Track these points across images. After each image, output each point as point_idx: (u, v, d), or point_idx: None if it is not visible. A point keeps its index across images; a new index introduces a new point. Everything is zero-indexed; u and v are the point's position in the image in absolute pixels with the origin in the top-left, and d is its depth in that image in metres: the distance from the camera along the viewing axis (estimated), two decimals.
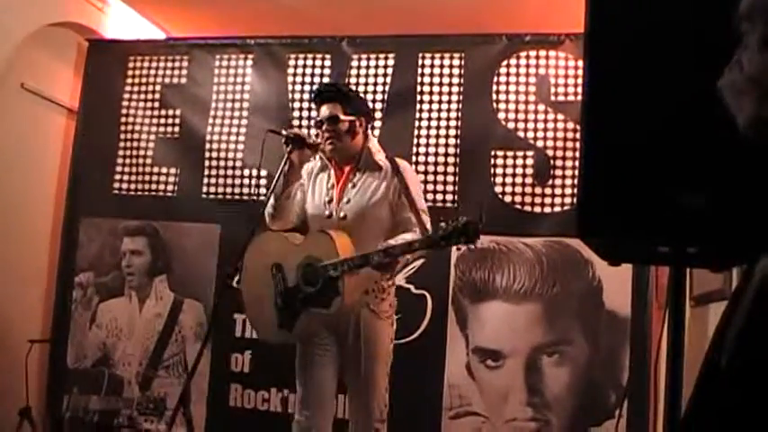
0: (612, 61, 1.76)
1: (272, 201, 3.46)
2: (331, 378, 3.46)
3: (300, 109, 4.76)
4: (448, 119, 4.58)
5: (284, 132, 3.48)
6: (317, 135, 3.55)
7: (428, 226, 3.26)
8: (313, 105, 3.77)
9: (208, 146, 4.91)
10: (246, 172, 4.77)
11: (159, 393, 4.79)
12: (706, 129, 1.65)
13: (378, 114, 4.63)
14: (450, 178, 4.52)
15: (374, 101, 4.59)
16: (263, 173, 4.61)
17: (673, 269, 1.81)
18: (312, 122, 3.76)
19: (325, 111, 3.46)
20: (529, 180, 4.44)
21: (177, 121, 5.02)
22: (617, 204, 1.71)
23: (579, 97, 4.37)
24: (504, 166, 4.47)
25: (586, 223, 1.74)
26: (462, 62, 4.63)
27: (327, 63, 4.84)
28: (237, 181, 4.82)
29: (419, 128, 4.59)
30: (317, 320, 3.32)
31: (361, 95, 3.86)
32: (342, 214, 3.38)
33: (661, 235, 1.70)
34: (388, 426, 3.37)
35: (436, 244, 3.07)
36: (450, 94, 4.61)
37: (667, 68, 1.70)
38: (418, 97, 4.64)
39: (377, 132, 4.45)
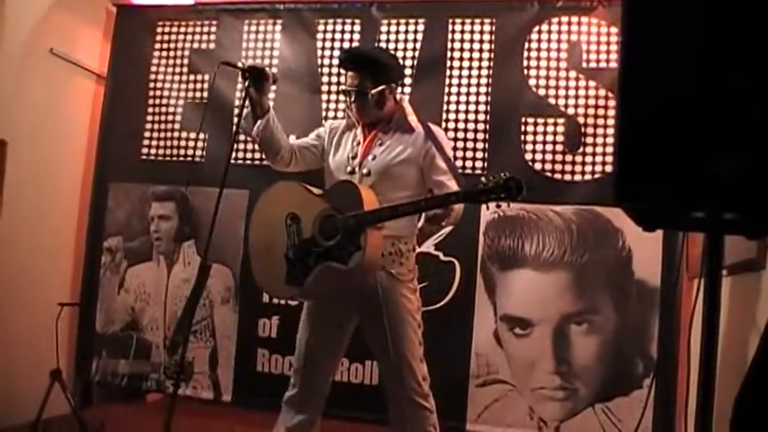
0: (649, 25, 1.72)
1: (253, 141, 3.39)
2: (334, 345, 3.41)
3: (330, 74, 4.73)
4: (478, 85, 4.53)
5: (239, 64, 3.40)
6: (345, 103, 3.49)
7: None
8: (342, 71, 3.71)
9: (236, 111, 4.88)
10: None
11: (187, 358, 4.81)
12: (745, 93, 1.62)
13: (407, 80, 4.59)
14: (479, 145, 4.48)
15: (404, 66, 4.54)
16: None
17: (708, 236, 1.78)
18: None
19: (351, 80, 3.37)
20: (559, 147, 4.39)
21: (206, 86, 5.01)
22: (654, 169, 1.68)
23: (611, 64, 4.34)
24: (535, 134, 4.42)
25: (623, 188, 1.71)
26: (493, 28, 4.58)
27: (357, 28, 4.80)
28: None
29: (449, 94, 4.55)
30: (331, 278, 3.18)
31: (393, 58, 3.72)
32: (365, 170, 3.30)
33: (697, 200, 1.67)
34: None
35: (476, 198, 2.94)
36: (480, 60, 4.56)
37: (705, 32, 1.66)
38: (448, 63, 4.60)
39: (406, 98, 4.40)
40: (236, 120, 4.83)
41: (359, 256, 3.08)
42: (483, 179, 2.95)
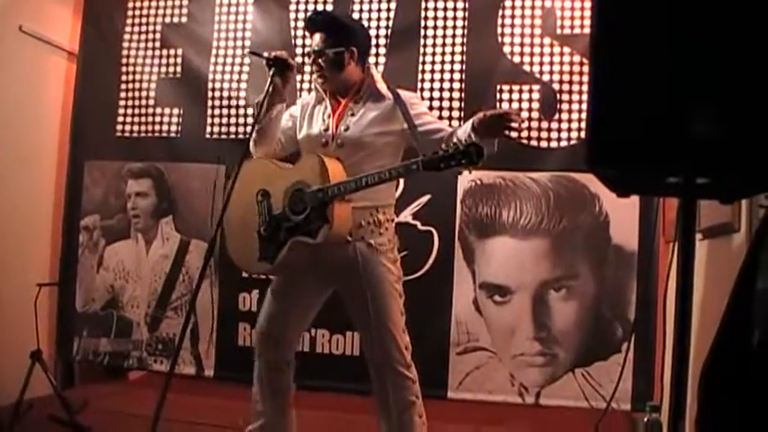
0: None
1: (256, 126, 3.38)
2: (302, 319, 3.44)
3: (303, 46, 4.67)
4: (453, 53, 4.51)
5: (265, 54, 3.38)
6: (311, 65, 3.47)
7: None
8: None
9: (210, 85, 4.86)
10: (250, 111, 4.72)
11: (168, 334, 4.83)
12: (717, 58, 1.62)
13: (382, 50, 4.57)
14: (455, 114, 4.47)
15: (377, 36, 4.52)
16: None
17: (683, 200, 1.80)
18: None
19: (313, 41, 3.38)
20: (535, 114, 4.40)
21: (179, 60, 4.97)
22: (627, 134, 1.69)
23: (585, 30, 4.35)
24: (510, 101, 4.42)
25: (596, 154, 1.72)
26: None
27: None
28: (241, 120, 4.78)
29: (423, 63, 4.53)
30: (303, 253, 3.20)
31: (358, 23, 3.73)
32: (339, 141, 3.28)
33: (671, 165, 1.68)
34: None
35: (434, 165, 2.92)
36: (454, 28, 4.54)
37: None
38: (422, 32, 4.57)
39: (380, 68, 4.39)
40: (210, 94, 4.84)
41: (326, 229, 3.10)
42: (443, 146, 2.95)
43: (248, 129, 4.55)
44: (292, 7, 4.79)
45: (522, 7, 4.46)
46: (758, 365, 1.34)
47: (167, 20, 5.03)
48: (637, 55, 1.69)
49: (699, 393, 1.63)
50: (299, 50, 4.68)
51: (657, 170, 1.71)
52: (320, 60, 3.34)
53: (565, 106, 4.37)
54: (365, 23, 4.41)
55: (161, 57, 5.00)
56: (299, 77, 4.56)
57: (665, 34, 1.66)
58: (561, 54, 4.39)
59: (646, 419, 3.13)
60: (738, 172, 1.65)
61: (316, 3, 4.76)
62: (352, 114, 3.33)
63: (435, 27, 4.56)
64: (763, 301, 1.33)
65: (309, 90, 4.44)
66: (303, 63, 3.45)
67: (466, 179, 4.35)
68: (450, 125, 4.35)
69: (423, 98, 4.36)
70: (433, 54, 4.54)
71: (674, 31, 1.66)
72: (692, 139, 1.62)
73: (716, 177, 1.70)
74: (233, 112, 4.82)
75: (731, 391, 1.46)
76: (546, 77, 4.40)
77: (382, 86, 3.39)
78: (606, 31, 1.73)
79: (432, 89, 4.51)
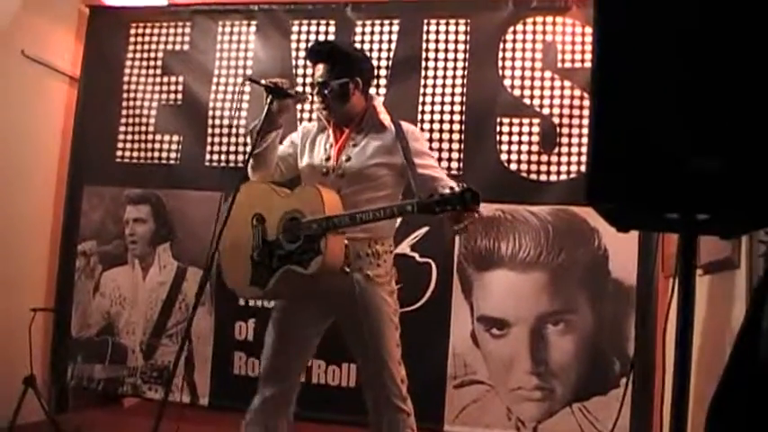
0: (622, 24, 1.73)
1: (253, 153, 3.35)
2: (305, 350, 3.39)
3: (304, 75, 4.69)
4: (453, 86, 4.53)
5: (263, 82, 3.35)
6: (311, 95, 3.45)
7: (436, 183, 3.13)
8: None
9: (211, 113, 4.87)
10: (249, 139, 4.71)
11: (163, 362, 4.79)
12: (717, 93, 1.62)
13: (382, 81, 4.58)
14: (455, 146, 4.47)
15: (378, 67, 4.52)
16: None
17: (683, 236, 1.79)
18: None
19: (317, 71, 3.37)
20: (535, 148, 4.40)
21: (180, 88, 4.98)
22: (627, 169, 1.68)
23: (586, 64, 4.36)
24: (510, 134, 4.42)
25: (596, 189, 1.71)
26: (468, 28, 4.58)
27: (332, 29, 4.78)
28: (241, 148, 4.78)
29: (424, 95, 4.54)
30: (297, 282, 3.17)
31: (361, 52, 3.70)
32: (340, 172, 3.27)
33: (671, 201, 1.67)
34: None
35: (429, 209, 2.88)
36: (455, 60, 4.55)
37: (678, 32, 1.67)
38: (423, 64, 4.59)
39: (381, 99, 4.39)
40: (210, 122, 4.85)
41: (318, 260, 3.08)
42: (440, 189, 2.94)
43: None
44: (294, 36, 4.81)
45: (523, 41, 4.49)
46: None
47: (169, 47, 5.04)
48: (637, 90, 1.69)
49: (707, 426, 1.61)
50: (299, 80, 4.69)
51: (657, 206, 1.71)
52: (324, 91, 3.33)
53: (565, 140, 4.37)
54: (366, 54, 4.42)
55: (162, 83, 5.02)
56: (299, 107, 4.57)
57: (666, 70, 1.67)
58: (561, 88, 4.40)
59: None
60: (739, 208, 1.64)
61: (317, 33, 4.78)
62: (354, 145, 3.32)
63: (436, 59, 4.58)
64: None
65: (310, 119, 4.45)
66: (304, 92, 3.43)
67: None
68: (449, 158, 4.40)
69: (422, 129, 4.38)
70: (434, 86, 4.56)
71: (674, 67, 1.66)
72: (692, 175, 1.62)
73: (716, 213, 1.69)
74: (233, 140, 4.82)
75: (740, 424, 1.44)
76: (546, 111, 4.40)
77: (385, 117, 3.37)
78: (607, 67, 1.73)
79: (432, 121, 4.51)
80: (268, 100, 3.30)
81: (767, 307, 1.35)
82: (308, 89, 3.67)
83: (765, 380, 1.29)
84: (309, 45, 3.52)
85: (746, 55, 1.61)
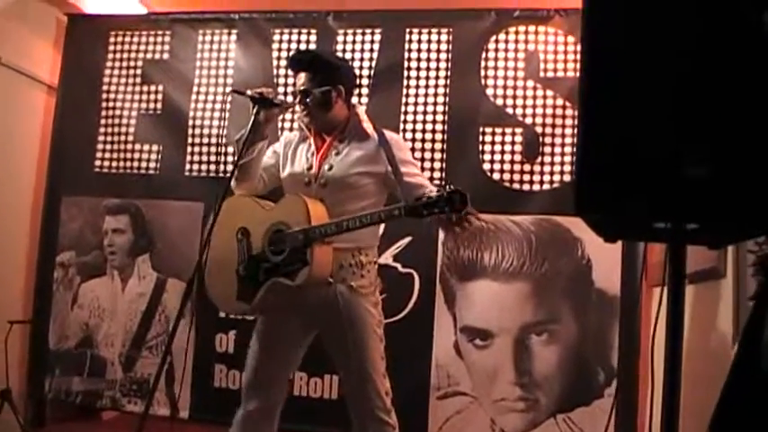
0: (610, 31, 1.71)
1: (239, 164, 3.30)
2: (289, 363, 3.34)
3: (285, 85, 4.66)
4: (435, 95, 4.51)
5: (248, 93, 3.31)
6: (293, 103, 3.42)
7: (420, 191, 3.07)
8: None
9: (191, 122, 4.83)
10: (230, 149, 4.67)
11: (143, 374, 4.73)
12: (706, 102, 1.61)
13: (365, 90, 4.56)
14: (437, 155, 4.46)
15: (360, 77, 4.50)
16: None
17: (672, 246, 1.77)
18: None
19: (299, 80, 3.33)
20: (518, 157, 4.38)
21: (160, 97, 4.93)
22: (615, 179, 1.67)
23: (569, 73, 4.36)
24: (493, 143, 4.41)
25: (583, 199, 1.69)
26: (450, 37, 4.56)
27: (313, 38, 4.75)
28: (221, 158, 4.73)
29: (406, 104, 4.53)
30: (282, 294, 3.14)
31: (343, 61, 3.71)
32: (322, 181, 3.23)
33: (660, 210, 1.66)
34: None
35: (417, 212, 2.86)
36: (437, 69, 4.54)
37: (667, 36, 1.65)
38: (405, 73, 4.57)
39: (363, 108, 4.37)
40: (190, 131, 4.81)
41: (306, 272, 3.04)
42: (427, 191, 2.92)
43: (228, 167, 4.49)
44: (275, 45, 4.78)
45: (506, 50, 4.48)
46: None
47: (149, 56, 5.00)
48: (625, 99, 1.68)
49: None
50: (281, 89, 4.66)
51: (646, 215, 1.69)
52: (306, 100, 3.29)
53: (547, 149, 4.36)
54: None
55: (141, 93, 4.97)
56: (280, 117, 4.54)
57: (654, 77, 1.65)
58: (544, 97, 4.40)
59: None
60: (728, 217, 1.63)
61: (299, 42, 4.75)
62: (337, 153, 3.28)
63: (418, 68, 4.56)
64: None
65: (291, 129, 4.42)
66: (285, 101, 3.40)
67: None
68: (432, 167, 4.38)
69: (405, 138, 4.35)
70: (416, 95, 4.54)
71: (662, 75, 1.64)
72: (681, 185, 1.60)
73: (705, 222, 1.68)
74: (213, 149, 4.78)
75: None
76: (529, 120, 4.39)
77: (368, 126, 3.34)
78: (594, 74, 1.71)
79: (414, 130, 4.49)
80: (254, 110, 3.26)
81: None
82: (290, 98, 3.63)
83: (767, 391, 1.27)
84: (291, 54, 3.49)
85: (736, 62, 1.60)
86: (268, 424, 3.28)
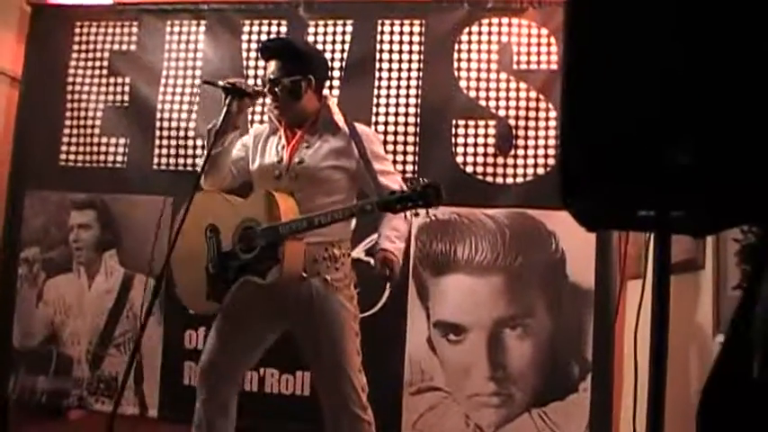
0: (593, 19, 1.67)
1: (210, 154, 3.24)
2: (248, 353, 3.30)
3: (255, 77, 4.59)
4: (408, 87, 4.46)
5: (220, 83, 3.25)
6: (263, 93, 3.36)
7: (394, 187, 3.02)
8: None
9: (159, 115, 4.74)
10: (199, 142, 4.60)
11: (110, 372, 4.65)
12: (690, 88, 1.57)
13: (336, 82, 4.50)
14: (410, 148, 4.41)
15: (332, 68, 4.43)
16: None
17: (657, 234, 1.74)
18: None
19: (269, 68, 3.28)
20: (491, 150, 4.35)
21: (127, 89, 4.84)
22: (599, 168, 1.62)
23: (542, 65, 4.36)
24: (466, 136, 4.37)
25: (567, 188, 1.64)
26: (423, 29, 4.52)
27: (283, 29, 4.68)
28: (190, 151, 4.66)
29: (378, 96, 4.47)
30: (253, 292, 3.10)
31: (315, 50, 3.69)
32: (293, 174, 3.18)
33: (645, 198, 1.62)
34: None
35: (390, 207, 2.86)
36: (410, 61, 4.49)
37: (649, 25, 1.61)
38: (377, 65, 4.52)
39: (334, 100, 4.31)
40: (158, 124, 4.72)
41: (277, 269, 3.00)
42: (400, 186, 2.92)
43: (197, 160, 4.45)
44: (245, 36, 4.71)
45: (479, 42, 4.44)
46: (759, 398, 1.29)
47: (115, 47, 4.90)
48: (609, 85, 1.63)
49: (698, 427, 1.57)
50: (251, 81, 4.58)
51: (631, 204, 1.65)
52: (276, 89, 3.23)
53: (521, 142, 4.34)
54: None
55: (108, 84, 4.86)
56: (249, 109, 4.48)
57: (639, 65, 1.61)
58: (518, 89, 4.37)
59: None
60: (712, 205, 1.59)
61: (269, 33, 4.68)
62: (308, 146, 3.23)
63: (390, 60, 4.51)
64: (764, 331, 1.28)
65: (261, 121, 4.36)
66: (257, 90, 3.33)
67: (420, 215, 4.27)
68: (404, 160, 4.33)
69: (377, 131, 4.28)
70: (388, 87, 4.49)
71: (648, 61, 1.60)
72: (666, 172, 1.56)
73: (690, 210, 1.64)
74: (181, 143, 4.69)
75: (731, 425, 1.40)
76: (502, 113, 4.36)
77: (339, 118, 3.29)
78: (578, 62, 1.67)
79: (386, 123, 4.44)
80: (227, 101, 3.20)
81: (758, 305, 1.30)
82: (266, 100, 3.58)
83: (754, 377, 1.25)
84: (262, 42, 3.43)
85: (721, 50, 1.56)
86: (223, 411, 3.24)
